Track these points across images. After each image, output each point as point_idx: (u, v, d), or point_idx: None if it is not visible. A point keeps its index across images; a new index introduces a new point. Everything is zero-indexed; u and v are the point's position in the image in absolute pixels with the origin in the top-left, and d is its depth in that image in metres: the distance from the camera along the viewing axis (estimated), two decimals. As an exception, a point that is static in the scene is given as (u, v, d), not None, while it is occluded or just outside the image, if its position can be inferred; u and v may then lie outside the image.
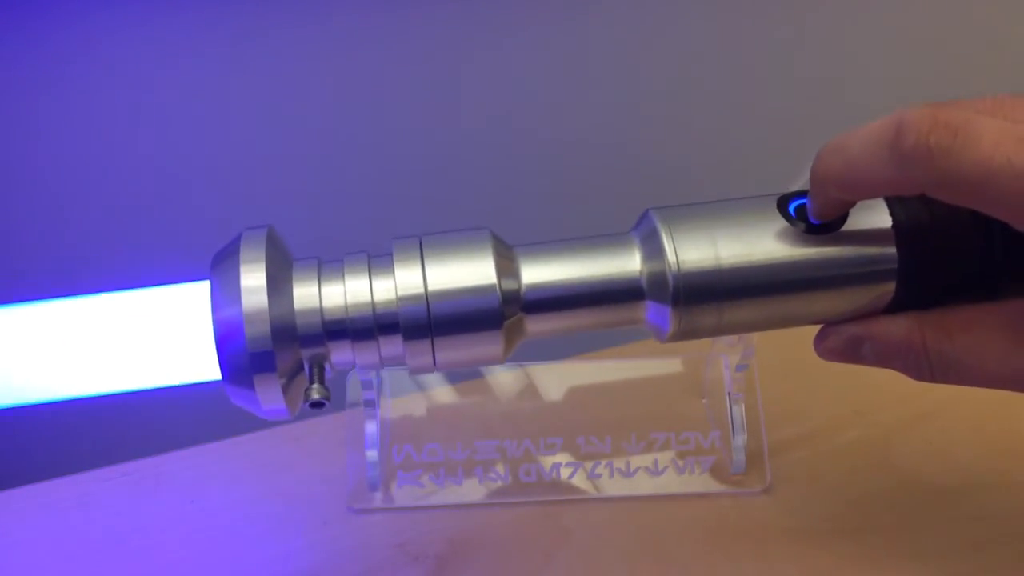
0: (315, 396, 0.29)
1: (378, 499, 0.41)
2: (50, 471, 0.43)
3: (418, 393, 0.45)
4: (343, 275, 0.29)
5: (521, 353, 0.35)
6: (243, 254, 0.28)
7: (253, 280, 0.28)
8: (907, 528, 0.39)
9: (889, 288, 0.30)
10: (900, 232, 0.30)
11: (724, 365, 0.42)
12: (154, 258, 0.71)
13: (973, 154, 0.25)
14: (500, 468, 0.42)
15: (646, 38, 0.77)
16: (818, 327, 0.32)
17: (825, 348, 0.32)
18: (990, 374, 0.29)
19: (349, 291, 0.29)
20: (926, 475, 0.42)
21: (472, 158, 0.78)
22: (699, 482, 0.41)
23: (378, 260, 0.30)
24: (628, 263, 0.30)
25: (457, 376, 0.45)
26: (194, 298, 0.29)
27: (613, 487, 0.41)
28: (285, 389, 0.29)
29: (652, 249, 0.30)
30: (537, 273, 0.30)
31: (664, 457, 0.42)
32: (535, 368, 0.45)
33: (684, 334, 0.31)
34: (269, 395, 0.29)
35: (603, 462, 0.42)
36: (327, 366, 0.30)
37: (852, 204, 0.30)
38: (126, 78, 0.68)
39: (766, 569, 0.38)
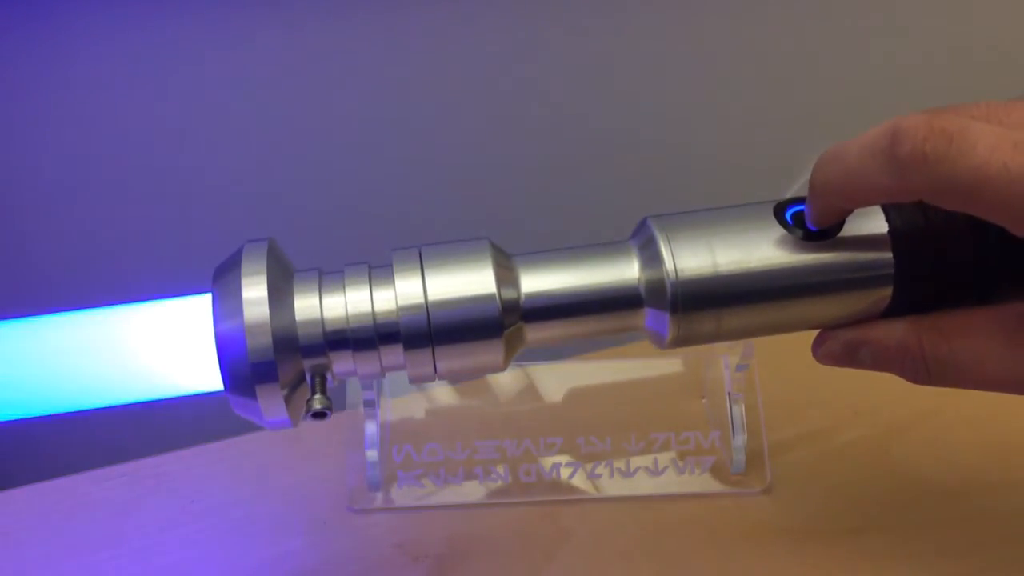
0: (317, 406, 0.29)
1: (378, 499, 0.41)
2: (50, 471, 0.43)
3: (418, 393, 0.45)
4: (344, 286, 0.30)
5: (521, 353, 0.35)
6: (244, 266, 0.29)
7: (255, 292, 0.28)
8: (907, 528, 0.39)
9: (886, 293, 0.30)
10: (896, 238, 0.30)
11: (724, 365, 0.42)
12: (156, 271, 0.72)
13: (969, 160, 0.25)
14: (500, 468, 0.42)
15: (644, 46, 0.76)
16: (816, 331, 0.32)
17: (823, 353, 0.32)
18: (987, 377, 0.29)
19: (350, 302, 0.29)
20: (926, 475, 0.42)
21: (471, 169, 0.77)
22: (699, 482, 0.41)
23: (378, 271, 0.30)
24: (626, 271, 0.31)
25: (457, 376, 0.45)
26: (196, 311, 0.29)
27: (613, 487, 0.41)
28: (287, 399, 0.29)
29: (650, 257, 0.30)
30: (536, 282, 0.30)
31: (664, 457, 0.42)
32: (535, 368, 0.46)
33: (683, 340, 0.31)
34: (271, 405, 0.29)
35: (603, 462, 0.42)
36: (329, 376, 0.30)
37: (850, 211, 0.30)
38: (126, 86, 0.68)
39: (766, 569, 0.38)
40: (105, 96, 0.68)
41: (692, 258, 0.30)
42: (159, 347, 0.29)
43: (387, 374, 0.30)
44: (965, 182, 0.26)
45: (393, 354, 0.30)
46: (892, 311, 0.31)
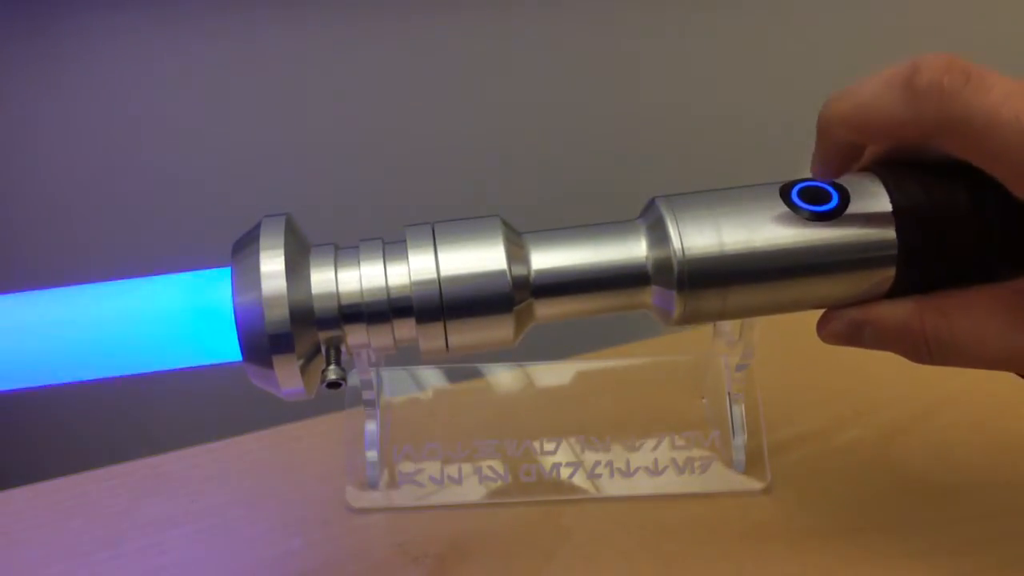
0: (332, 376, 0.30)
1: (378, 499, 0.41)
2: (50, 471, 0.43)
3: (418, 393, 0.45)
4: (359, 260, 0.30)
5: (521, 353, 0.35)
6: (263, 241, 0.30)
7: (272, 265, 0.29)
8: (907, 528, 0.39)
9: (889, 273, 0.31)
10: (900, 218, 0.30)
11: (724, 365, 0.42)
12: (179, 248, 0.72)
13: (982, 101, 0.26)
14: (500, 468, 0.42)
15: (654, 35, 0.77)
16: (820, 314, 0.33)
17: (827, 332, 0.32)
18: (988, 355, 0.29)
19: (364, 276, 0.30)
20: (926, 475, 0.42)
21: (484, 149, 0.78)
22: (699, 482, 0.41)
23: (392, 246, 0.31)
24: (635, 249, 0.31)
25: (457, 375, 0.45)
26: (216, 283, 0.30)
27: (613, 487, 0.41)
28: (303, 370, 0.30)
29: (658, 236, 0.31)
30: (546, 259, 0.31)
31: (664, 457, 0.42)
32: (535, 368, 0.46)
33: (689, 318, 0.31)
34: (287, 375, 0.30)
35: (603, 462, 0.42)
36: (343, 348, 0.31)
37: (856, 156, 0.30)
38: (139, 71, 0.68)
39: (766, 569, 0.38)
40: (119, 78, 0.68)
41: (699, 237, 0.30)
42: (180, 317, 0.30)
43: (388, 373, 0.31)
44: (976, 122, 0.26)
45: (406, 327, 0.30)
46: (896, 291, 0.31)
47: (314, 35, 0.70)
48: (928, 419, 0.44)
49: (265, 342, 0.29)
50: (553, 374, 0.46)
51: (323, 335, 0.30)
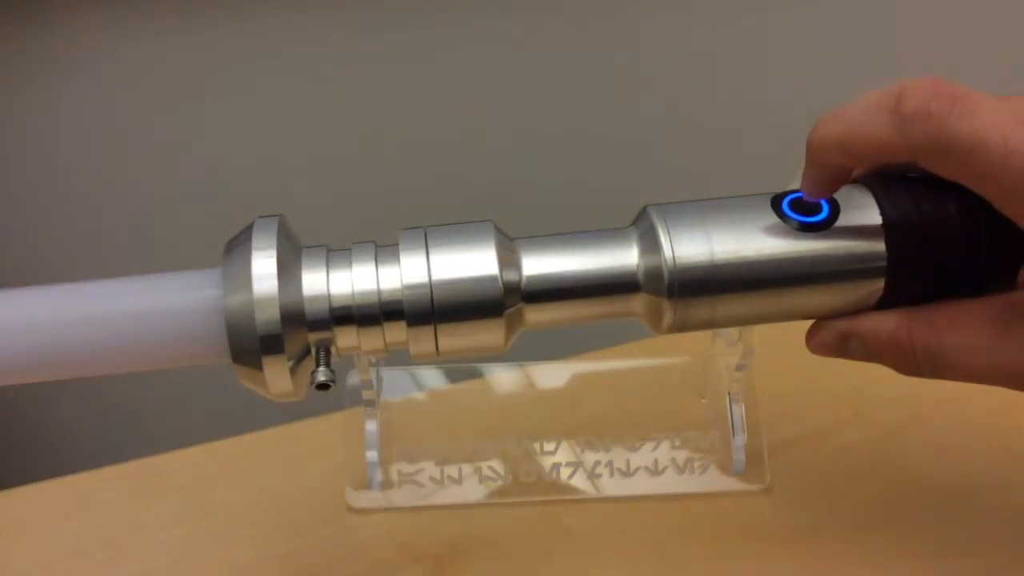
0: (321, 378, 0.30)
1: (378, 499, 0.41)
2: (50, 471, 0.43)
3: (418, 393, 0.45)
4: (351, 263, 0.30)
5: (520, 352, 0.35)
6: (255, 241, 0.29)
7: (264, 267, 0.29)
8: (907, 528, 0.39)
9: (879, 285, 0.31)
10: (889, 230, 0.30)
11: (724, 365, 0.42)
12: (172, 248, 0.72)
13: (969, 125, 0.26)
14: (500, 468, 0.42)
15: (648, 37, 0.77)
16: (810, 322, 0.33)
17: (816, 343, 0.33)
18: (975, 369, 0.29)
19: (356, 278, 0.30)
20: (926, 475, 0.42)
21: (476, 155, 0.78)
22: (699, 482, 0.41)
23: (384, 249, 0.31)
24: (626, 257, 0.31)
25: (457, 375, 0.45)
26: (206, 283, 0.30)
27: (613, 487, 0.41)
28: (292, 371, 0.30)
29: (649, 244, 0.31)
30: (538, 264, 0.31)
31: (664, 457, 0.42)
32: (535, 368, 0.46)
33: (678, 326, 0.32)
34: (277, 377, 0.29)
35: (603, 462, 0.42)
36: (333, 350, 0.31)
37: (845, 178, 0.30)
38: (137, 72, 0.68)
39: (766, 569, 0.38)
40: (116, 84, 0.68)
41: (690, 246, 0.30)
42: (170, 317, 0.30)
43: (388, 373, 0.31)
44: (964, 145, 0.26)
45: (397, 330, 0.30)
46: (885, 303, 0.31)
47: (312, 38, 0.70)
48: (928, 419, 0.44)
49: (255, 343, 0.29)
50: (553, 374, 0.46)
51: (313, 337, 0.30)
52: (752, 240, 0.30)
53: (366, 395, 0.40)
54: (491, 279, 0.30)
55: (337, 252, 0.31)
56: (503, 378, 0.45)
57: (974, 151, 0.26)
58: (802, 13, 0.78)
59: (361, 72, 0.73)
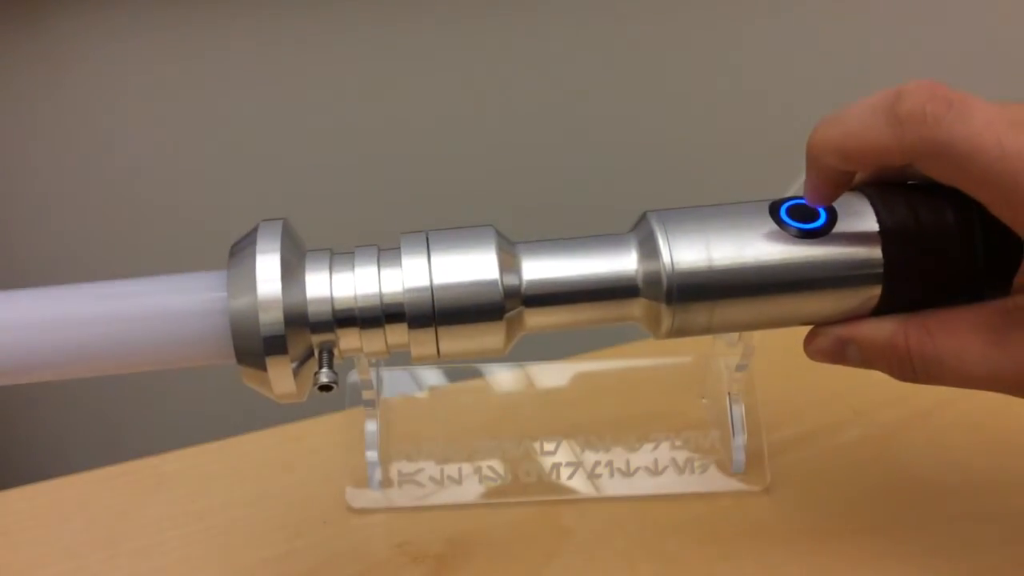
0: (324, 380, 0.30)
1: (378, 499, 0.41)
2: (50, 471, 0.43)
3: (418, 393, 0.45)
4: (353, 266, 0.31)
5: (521, 352, 0.35)
6: (259, 244, 0.30)
7: (268, 269, 0.29)
8: (907, 528, 0.39)
9: (876, 291, 0.31)
10: (886, 237, 0.30)
11: (724, 365, 0.42)
12: (177, 251, 0.72)
13: (964, 128, 0.26)
14: (500, 468, 0.42)
15: (648, 44, 0.77)
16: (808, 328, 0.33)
17: (813, 349, 0.33)
18: (971, 375, 0.29)
19: (359, 281, 0.30)
20: (926, 474, 0.42)
21: (478, 160, 0.78)
22: (699, 482, 0.41)
23: (387, 253, 0.31)
24: (625, 262, 0.31)
25: (457, 375, 0.45)
26: (211, 285, 0.30)
27: (613, 487, 0.41)
28: (296, 372, 0.30)
29: (648, 249, 0.31)
30: (538, 269, 0.31)
31: (664, 457, 0.42)
32: (535, 368, 0.46)
33: (677, 331, 0.32)
34: (280, 377, 0.30)
35: (603, 462, 0.42)
36: (336, 351, 0.31)
37: (846, 184, 0.31)
38: (137, 72, 0.69)
39: (766, 569, 0.38)
40: (117, 86, 0.69)
41: (688, 252, 0.31)
42: (175, 318, 0.30)
43: (388, 373, 0.31)
44: (959, 148, 0.27)
45: (398, 333, 0.31)
46: (881, 309, 0.31)
47: (314, 40, 0.70)
48: (928, 419, 0.44)
49: (259, 344, 0.29)
50: (553, 374, 0.46)
51: (316, 338, 0.30)
52: (750, 246, 0.31)
53: (366, 395, 0.40)
54: (491, 283, 0.30)
55: (340, 255, 0.31)
56: (503, 378, 0.45)
57: (969, 154, 0.26)
58: (803, 16, 0.78)
59: (366, 76, 0.73)
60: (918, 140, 0.27)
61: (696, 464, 0.42)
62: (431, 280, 0.30)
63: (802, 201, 0.31)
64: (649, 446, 0.42)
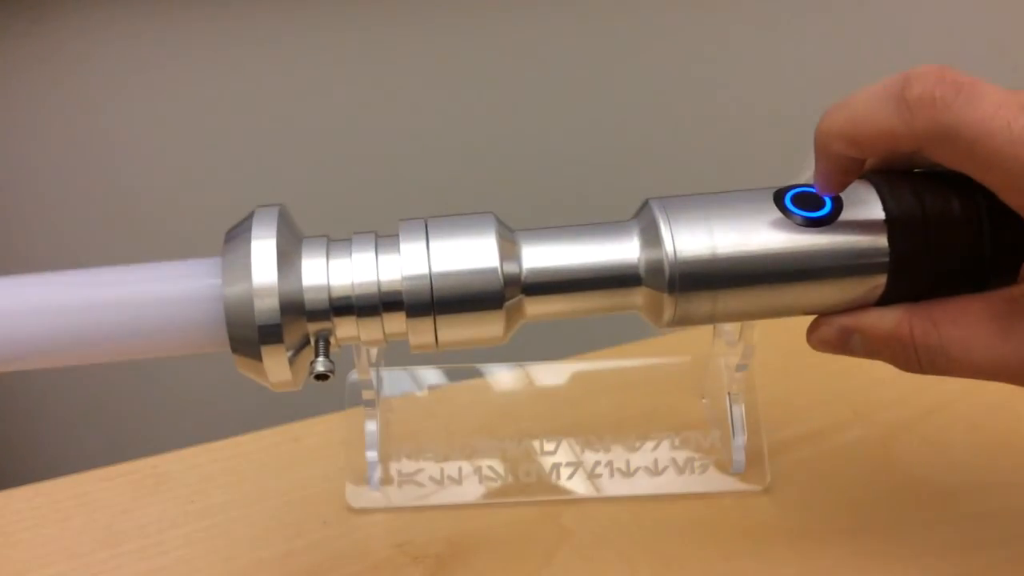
0: (320, 369, 0.30)
1: (378, 499, 0.41)
2: (50, 471, 0.43)
3: (418, 393, 0.45)
4: (351, 253, 0.30)
5: (521, 352, 0.35)
6: (255, 230, 0.29)
7: (264, 256, 0.29)
8: (907, 528, 0.39)
9: (881, 280, 0.31)
10: (892, 226, 0.30)
11: (724, 365, 0.42)
12: (174, 240, 0.72)
13: (973, 112, 0.26)
14: (499, 468, 0.42)
15: (652, 37, 0.77)
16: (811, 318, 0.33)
17: (816, 338, 0.33)
18: (976, 365, 0.29)
19: (356, 269, 0.30)
20: (926, 475, 0.42)
21: (479, 148, 0.78)
22: (699, 482, 0.41)
23: (385, 240, 0.31)
24: (627, 250, 0.31)
25: (457, 375, 0.45)
26: (205, 272, 0.30)
27: (613, 487, 0.41)
28: (291, 361, 0.30)
29: (650, 237, 0.31)
30: (538, 257, 0.31)
31: (664, 457, 0.42)
32: (535, 368, 0.45)
33: (679, 320, 0.31)
34: (276, 366, 0.29)
35: (603, 462, 0.42)
36: (332, 340, 0.31)
37: (856, 172, 0.30)
38: (137, 69, 0.69)
39: (766, 569, 0.38)
40: (117, 81, 0.69)
41: (691, 240, 0.30)
42: (169, 305, 0.30)
43: (387, 373, 0.30)
44: (968, 132, 0.26)
45: (396, 321, 0.30)
46: (887, 299, 0.31)
47: (312, 33, 0.70)
48: (928, 419, 0.44)
49: (254, 333, 0.29)
50: (553, 374, 0.46)
51: (312, 327, 0.30)
52: (754, 235, 0.30)
53: (366, 395, 0.40)
54: (491, 271, 0.30)
55: (337, 242, 0.31)
56: (503, 377, 0.45)
57: (978, 139, 0.26)
58: (805, 9, 0.78)
59: (365, 64, 0.73)
60: (927, 124, 0.27)
61: (696, 464, 0.42)
62: (430, 268, 0.30)
63: (807, 189, 0.31)
64: (649, 446, 0.42)
